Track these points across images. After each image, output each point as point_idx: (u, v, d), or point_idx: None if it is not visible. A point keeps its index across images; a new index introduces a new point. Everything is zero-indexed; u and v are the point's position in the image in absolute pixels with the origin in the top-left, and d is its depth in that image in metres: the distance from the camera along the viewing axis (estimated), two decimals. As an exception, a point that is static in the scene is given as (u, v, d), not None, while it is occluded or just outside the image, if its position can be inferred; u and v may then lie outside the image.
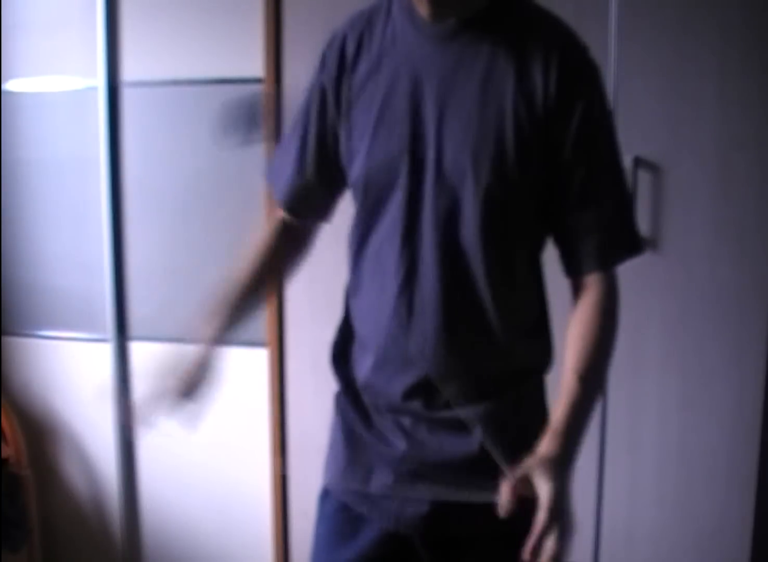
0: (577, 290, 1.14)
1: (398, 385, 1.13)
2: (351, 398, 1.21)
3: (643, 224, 1.97)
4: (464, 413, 1.13)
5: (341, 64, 1.14)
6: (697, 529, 2.04)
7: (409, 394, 1.13)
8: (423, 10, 1.08)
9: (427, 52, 1.09)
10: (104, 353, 2.38)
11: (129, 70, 2.26)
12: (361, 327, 1.18)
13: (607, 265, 1.12)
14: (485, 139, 1.06)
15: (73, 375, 2.43)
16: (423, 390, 1.12)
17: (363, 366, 1.17)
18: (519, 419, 1.18)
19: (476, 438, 1.13)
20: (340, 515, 1.21)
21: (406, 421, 1.15)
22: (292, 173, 1.22)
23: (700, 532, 2.04)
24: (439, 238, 1.08)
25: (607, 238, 1.10)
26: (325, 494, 1.24)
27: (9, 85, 2.34)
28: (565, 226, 1.11)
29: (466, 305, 1.11)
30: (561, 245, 1.13)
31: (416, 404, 1.13)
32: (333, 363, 1.25)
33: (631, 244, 1.14)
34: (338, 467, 1.21)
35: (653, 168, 1.96)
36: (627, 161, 1.95)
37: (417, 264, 1.09)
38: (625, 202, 1.14)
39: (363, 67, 1.12)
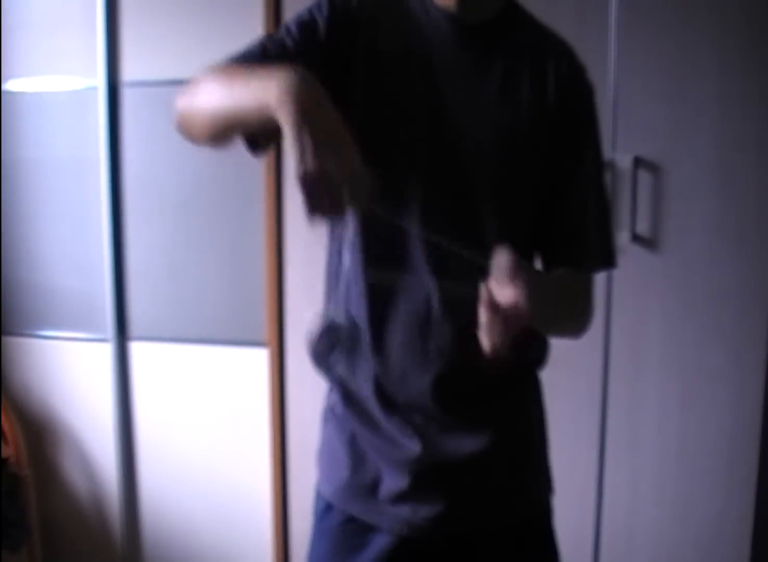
0: None
1: (415, 383, 1.12)
2: (350, 403, 1.18)
3: (643, 224, 1.98)
4: (478, 410, 1.14)
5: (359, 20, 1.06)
6: (697, 529, 2.04)
7: (426, 392, 1.11)
8: (447, 1, 1.08)
9: (444, 46, 1.08)
10: (104, 353, 2.38)
11: (129, 70, 2.26)
12: (364, 324, 1.15)
13: (586, 264, 1.16)
14: (504, 134, 1.08)
15: (73, 375, 2.43)
16: (439, 388, 1.11)
17: (369, 364, 1.14)
18: (525, 414, 1.20)
19: (488, 436, 1.14)
20: (346, 528, 1.17)
21: (418, 420, 1.13)
22: (280, 39, 1.05)
23: (700, 532, 2.03)
24: (459, 227, 1.08)
25: (590, 243, 1.15)
26: (327, 509, 1.20)
27: (9, 85, 2.34)
28: (550, 226, 1.14)
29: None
30: (543, 243, 1.16)
31: (431, 403, 1.12)
32: (321, 364, 1.19)
33: (608, 257, 1.18)
34: (340, 478, 1.18)
35: (653, 168, 1.96)
36: (627, 161, 1.95)
37: (437, 259, 1.08)
38: (606, 219, 1.18)
39: (376, 40, 1.07)
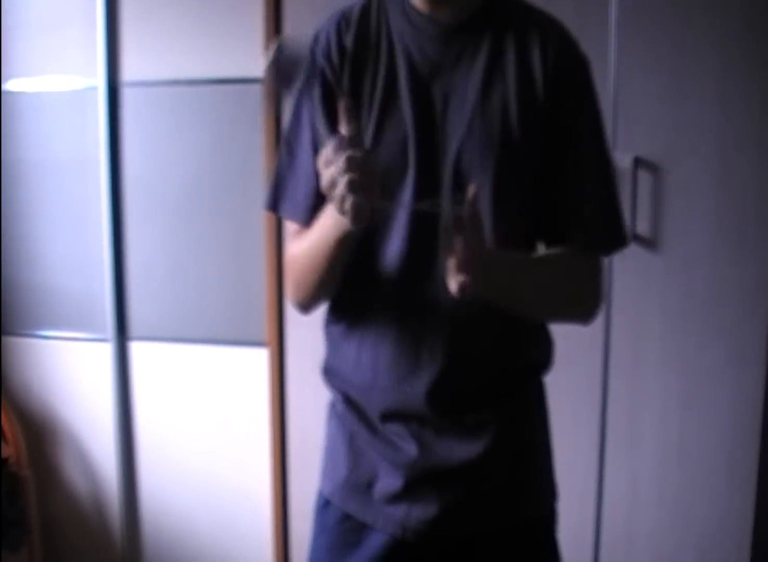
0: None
1: (409, 388, 1.11)
2: (349, 404, 1.18)
3: (643, 224, 1.97)
4: (475, 415, 1.13)
5: (341, 58, 1.10)
6: (697, 529, 2.04)
7: (420, 398, 1.11)
8: (421, 4, 1.08)
9: (426, 49, 1.09)
10: (104, 353, 2.38)
11: (129, 70, 2.26)
12: (360, 331, 1.15)
13: (589, 246, 1.12)
14: (492, 128, 1.07)
15: (73, 375, 2.43)
16: (433, 394, 1.11)
17: (365, 371, 1.14)
18: (525, 419, 1.19)
19: (486, 441, 1.13)
20: (343, 525, 1.18)
21: (414, 424, 1.13)
22: (310, 182, 1.11)
23: (700, 532, 2.03)
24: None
25: (592, 221, 1.11)
26: (326, 505, 1.21)
27: (9, 85, 2.34)
28: (550, 207, 1.11)
29: (480, 303, 1.11)
30: (545, 225, 1.13)
31: (426, 408, 1.11)
32: (326, 375, 1.22)
33: (615, 234, 1.14)
34: (339, 475, 1.19)
35: (653, 168, 1.96)
36: (627, 161, 1.95)
37: (429, 257, 1.08)
38: (611, 195, 1.14)
39: (360, 63, 1.10)
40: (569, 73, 1.09)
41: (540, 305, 1.11)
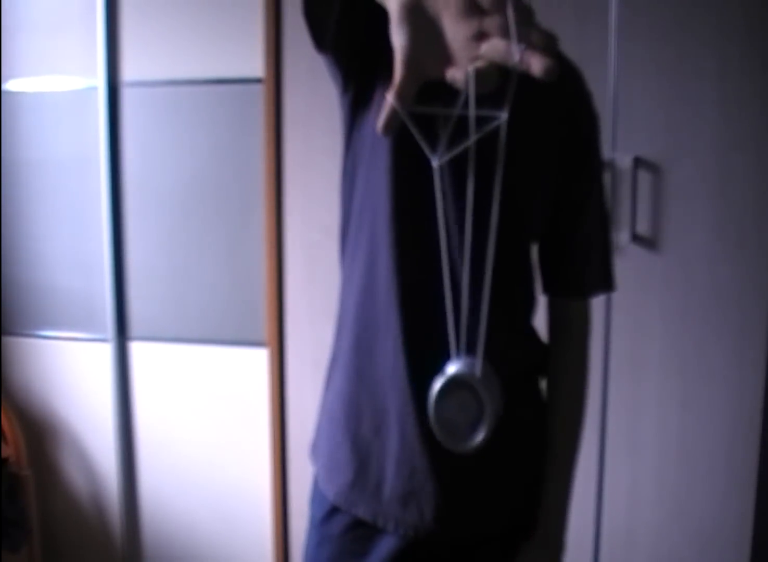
0: (556, 318, 1.21)
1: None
2: (353, 400, 1.16)
3: (643, 224, 1.98)
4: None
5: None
6: (697, 529, 2.04)
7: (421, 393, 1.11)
8: None
9: None
10: (104, 353, 2.38)
11: (129, 70, 2.27)
12: (361, 329, 1.14)
13: (589, 292, 1.21)
14: (509, 155, 1.07)
15: (73, 375, 2.43)
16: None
17: (371, 363, 1.13)
18: (535, 420, 1.19)
19: (497, 438, 1.13)
20: (350, 534, 1.15)
21: (418, 418, 1.11)
22: None
23: (700, 532, 2.04)
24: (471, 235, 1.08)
25: (594, 267, 1.20)
26: (330, 513, 1.17)
27: (9, 85, 2.34)
28: (554, 248, 1.18)
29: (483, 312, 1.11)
30: (548, 260, 1.20)
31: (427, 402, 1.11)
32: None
33: (609, 280, 1.23)
34: (346, 478, 1.15)
35: (653, 168, 1.96)
36: (627, 161, 1.95)
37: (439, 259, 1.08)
38: (608, 244, 1.23)
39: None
40: (586, 123, 1.13)
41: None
